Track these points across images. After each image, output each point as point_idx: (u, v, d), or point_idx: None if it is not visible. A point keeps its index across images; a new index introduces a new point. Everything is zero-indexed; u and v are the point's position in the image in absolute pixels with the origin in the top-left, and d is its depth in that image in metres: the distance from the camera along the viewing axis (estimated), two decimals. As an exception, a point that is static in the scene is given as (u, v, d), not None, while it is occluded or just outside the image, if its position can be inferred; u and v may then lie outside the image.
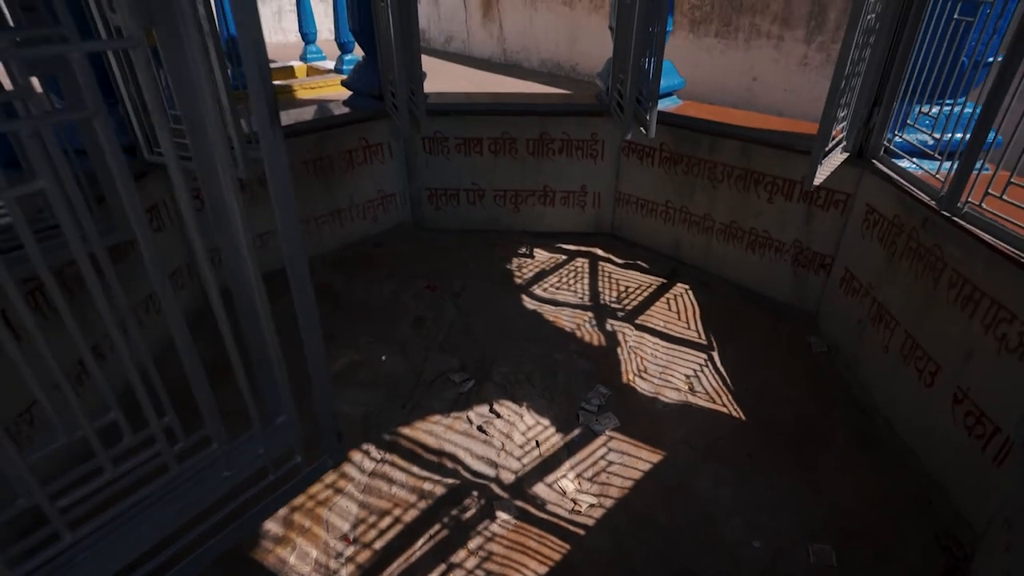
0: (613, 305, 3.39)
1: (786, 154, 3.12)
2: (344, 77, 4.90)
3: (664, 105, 3.76)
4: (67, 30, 0.65)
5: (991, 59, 2.40)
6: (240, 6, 0.72)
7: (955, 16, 2.27)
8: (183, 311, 0.98)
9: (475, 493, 2.18)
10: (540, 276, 3.69)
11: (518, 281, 3.63)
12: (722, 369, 2.90)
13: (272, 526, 2.07)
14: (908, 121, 2.66)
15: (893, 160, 2.69)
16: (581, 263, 3.86)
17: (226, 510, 0.95)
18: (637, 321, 3.25)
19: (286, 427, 1.03)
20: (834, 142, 2.66)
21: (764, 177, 3.26)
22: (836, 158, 2.74)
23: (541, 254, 3.95)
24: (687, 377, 2.84)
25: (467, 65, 9.63)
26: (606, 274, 3.73)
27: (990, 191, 2.06)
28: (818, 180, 2.49)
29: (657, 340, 3.10)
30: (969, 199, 2.15)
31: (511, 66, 9.54)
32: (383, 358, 2.88)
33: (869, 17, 2.36)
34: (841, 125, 2.70)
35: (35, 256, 0.68)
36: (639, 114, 3.13)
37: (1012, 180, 1.96)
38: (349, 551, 1.99)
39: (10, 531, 0.75)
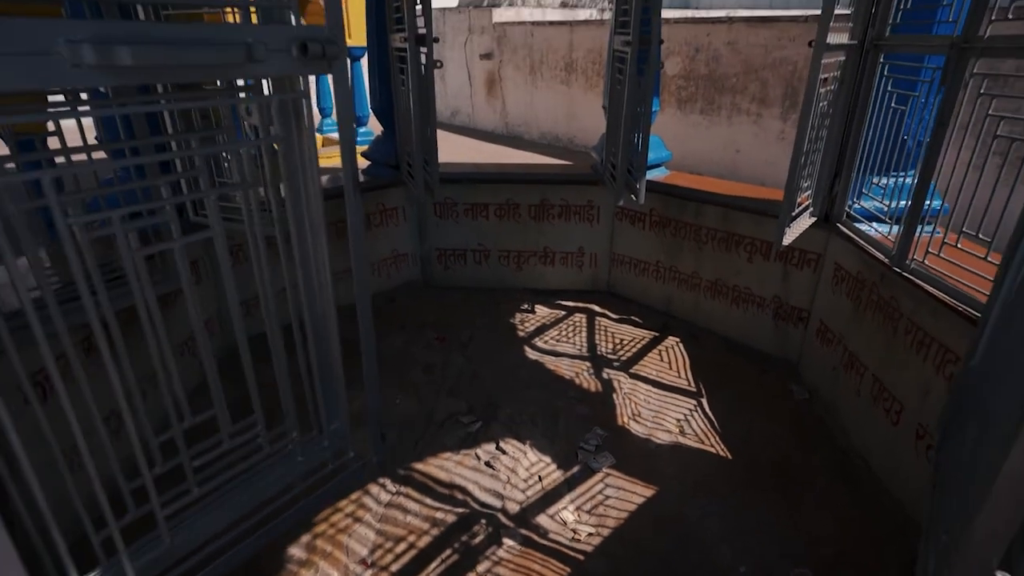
0: (609, 356, 3.66)
1: (762, 218, 3.48)
2: (358, 148, 5.37)
3: (653, 175, 4.16)
4: (227, 133, 0.97)
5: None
6: (342, 109, 1.05)
7: (892, 105, 2.68)
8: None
9: (483, 521, 2.38)
10: (541, 330, 3.98)
11: (521, 334, 3.91)
12: (710, 414, 3.14)
13: (296, 551, 2.25)
14: (864, 190, 3.03)
15: (855, 224, 3.04)
16: (579, 318, 4.15)
17: (299, 488, 1.19)
18: (631, 370, 3.50)
19: (342, 430, 1.29)
20: (801, 208, 3.01)
21: (744, 239, 3.61)
22: (804, 222, 3.09)
23: (542, 310, 4.24)
24: (678, 421, 3.07)
25: (472, 137, 10.30)
26: (602, 328, 4.02)
27: (930, 250, 2.38)
28: (787, 241, 2.82)
29: (650, 388, 3.35)
30: (914, 257, 2.48)
31: (513, 138, 10.20)
32: (397, 401, 3.12)
33: (822, 104, 2.77)
34: (806, 193, 3.06)
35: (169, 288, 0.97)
36: (630, 183, 3.51)
37: (945, 240, 2.29)
38: (367, 574, 2.17)
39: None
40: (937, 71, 2.29)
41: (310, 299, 1.18)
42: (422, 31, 3.36)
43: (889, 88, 2.74)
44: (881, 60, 2.78)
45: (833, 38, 2.56)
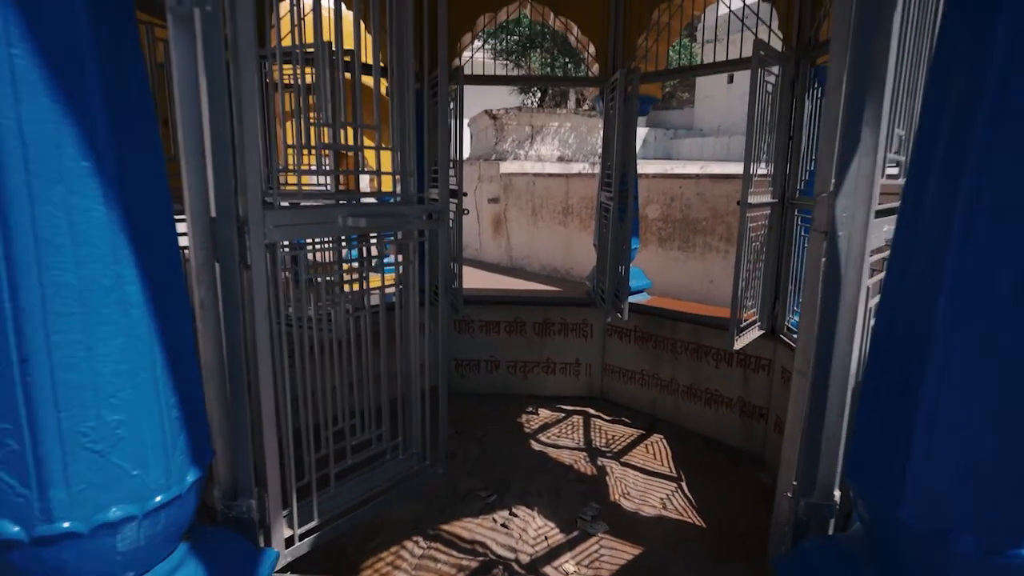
0: (603, 449, 4.28)
1: (723, 332, 4.28)
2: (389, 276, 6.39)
3: (636, 299, 5.04)
4: (378, 263, 1.81)
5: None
6: (443, 251, 1.90)
7: (807, 245, 3.62)
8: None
9: (500, 567, 2.90)
10: (544, 428, 4.62)
11: (527, 431, 4.54)
12: (689, 494, 3.71)
13: (348, 590, 2.77)
14: (796, 308, 3.88)
15: (793, 335, 3.85)
16: (577, 419, 4.80)
17: (399, 478, 1.85)
18: (622, 460, 4.11)
19: (421, 448, 1.98)
20: (748, 322, 3.84)
21: (711, 349, 4.40)
22: (754, 333, 3.90)
23: (545, 412, 4.90)
24: (661, 499, 3.64)
25: (479, 268, 11.47)
26: (597, 427, 4.66)
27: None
28: (737, 346, 3.62)
29: (638, 473, 3.94)
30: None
31: (516, 269, 11.36)
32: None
33: (755, 244, 3.71)
34: (752, 310, 3.91)
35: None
36: (616, 304, 4.38)
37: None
38: (407, 607, 2.67)
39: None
40: (825, 223, 3.24)
41: (411, 371, 1.96)
42: (454, 187, 4.42)
43: (803, 232, 3.70)
44: (796, 212, 3.78)
45: (755, 198, 3.56)
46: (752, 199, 3.48)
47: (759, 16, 4.07)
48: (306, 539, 1.62)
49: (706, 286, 7.50)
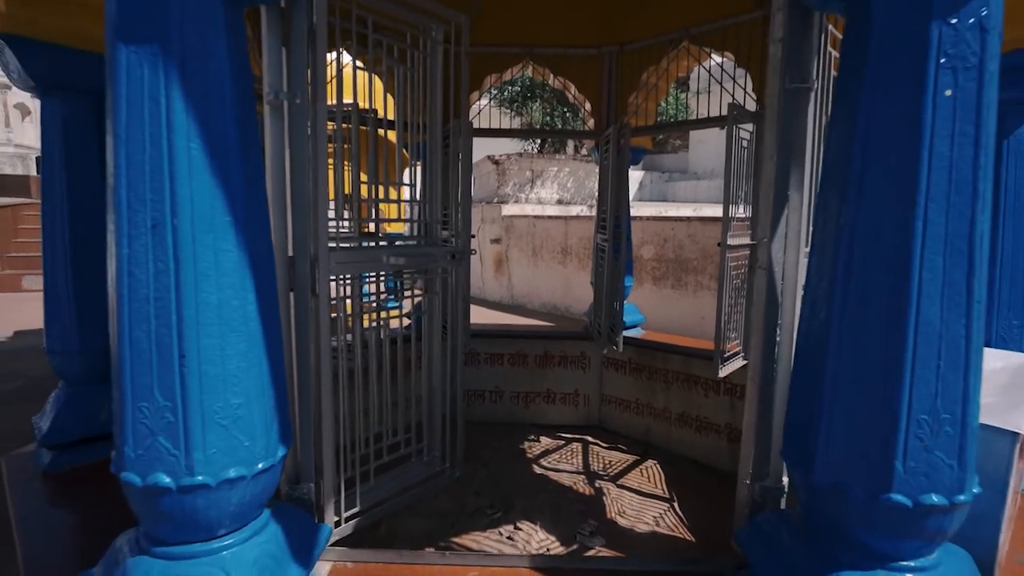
0: (600, 472, 4.56)
1: (710, 363, 4.63)
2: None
3: (631, 333, 5.41)
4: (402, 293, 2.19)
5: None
6: (462, 287, 2.29)
7: (780, 282, 4.02)
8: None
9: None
10: (545, 454, 4.91)
11: (529, 456, 4.84)
12: (681, 513, 3.99)
13: (368, 594, 3.04)
14: (775, 340, 4.25)
15: (773, 365, 4.20)
16: (576, 446, 5.10)
17: (423, 477, 2.17)
18: (618, 482, 4.39)
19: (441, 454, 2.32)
20: (732, 352, 4.20)
21: (700, 379, 4.74)
22: (737, 363, 4.25)
23: (546, 439, 5.20)
24: (654, 517, 3.92)
25: (482, 306, 11.86)
26: (595, 453, 4.95)
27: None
28: (722, 374, 3.96)
29: (632, 494, 4.22)
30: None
31: (517, 306, 11.75)
32: (434, 499, 3.98)
33: (735, 281, 4.10)
34: (735, 342, 4.27)
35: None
36: (612, 337, 4.74)
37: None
38: (422, 608, 2.94)
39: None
40: (795, 262, 3.64)
41: (434, 389, 2.31)
42: (462, 230, 4.84)
43: (779, 272, 4.10)
44: (773, 254, 4.18)
45: (735, 240, 3.97)
46: (732, 241, 3.89)
47: (735, 79, 4.58)
48: (350, 522, 1.95)
49: (698, 322, 7.88)
